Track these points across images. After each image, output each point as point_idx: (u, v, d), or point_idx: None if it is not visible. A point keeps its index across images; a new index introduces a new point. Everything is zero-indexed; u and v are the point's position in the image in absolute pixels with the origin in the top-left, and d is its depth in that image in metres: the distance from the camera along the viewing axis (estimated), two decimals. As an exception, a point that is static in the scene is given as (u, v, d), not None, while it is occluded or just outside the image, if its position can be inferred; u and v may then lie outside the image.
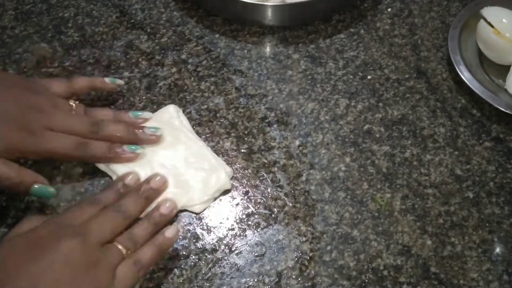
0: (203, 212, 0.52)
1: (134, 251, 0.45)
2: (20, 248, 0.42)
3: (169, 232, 0.47)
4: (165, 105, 0.58)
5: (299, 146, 0.56)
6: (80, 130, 0.50)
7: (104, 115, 0.54)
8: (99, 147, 0.51)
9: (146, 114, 0.55)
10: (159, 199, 0.50)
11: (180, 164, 0.53)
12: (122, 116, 0.55)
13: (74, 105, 0.53)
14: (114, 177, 0.53)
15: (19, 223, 0.45)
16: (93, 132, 0.51)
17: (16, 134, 0.48)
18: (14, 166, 0.47)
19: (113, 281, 0.42)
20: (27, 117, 0.49)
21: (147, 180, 0.50)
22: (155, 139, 0.53)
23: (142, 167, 0.52)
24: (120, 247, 0.44)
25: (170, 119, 0.56)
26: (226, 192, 0.53)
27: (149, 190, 0.50)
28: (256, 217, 0.52)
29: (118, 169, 0.52)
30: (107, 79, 0.56)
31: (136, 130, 0.53)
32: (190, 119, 0.58)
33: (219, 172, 0.53)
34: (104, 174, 0.54)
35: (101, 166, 0.53)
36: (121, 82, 0.58)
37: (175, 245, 0.49)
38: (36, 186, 0.48)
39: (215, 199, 0.53)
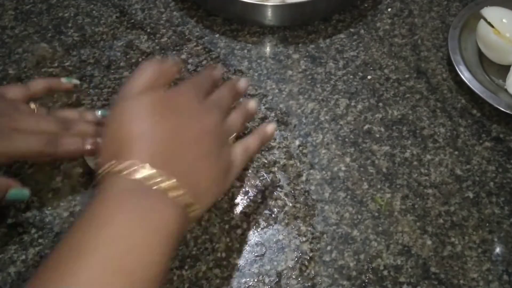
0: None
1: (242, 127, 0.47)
2: (161, 111, 0.40)
3: (269, 127, 0.49)
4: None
5: (299, 146, 0.56)
6: (48, 128, 0.49)
7: (69, 114, 0.53)
8: (72, 141, 0.49)
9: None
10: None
11: None
12: (87, 115, 0.53)
13: (35, 108, 0.52)
14: None
15: (133, 80, 0.42)
16: (65, 129, 0.49)
17: None
18: None
19: (234, 160, 0.44)
20: None
21: (232, 81, 0.50)
22: None
23: None
24: (236, 124, 0.46)
25: None
26: (233, 185, 0.53)
27: (232, 88, 0.49)
28: (256, 217, 0.52)
29: None
30: (63, 79, 0.55)
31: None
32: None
33: None
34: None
35: (89, 161, 0.53)
36: (76, 81, 0.56)
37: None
38: (11, 192, 0.47)
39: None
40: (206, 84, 0.47)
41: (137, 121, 0.40)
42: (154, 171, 0.37)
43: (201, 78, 0.47)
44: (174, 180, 0.38)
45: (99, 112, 0.54)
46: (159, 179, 0.37)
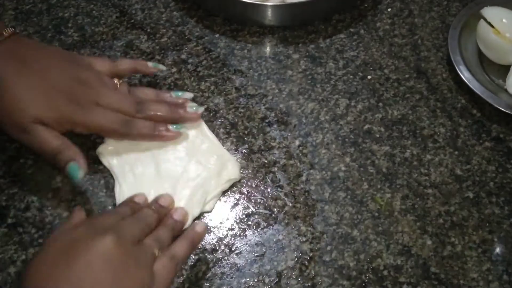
0: (203, 213, 0.52)
1: (164, 249, 0.45)
2: (57, 251, 0.41)
3: (199, 227, 0.48)
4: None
5: (299, 146, 0.56)
6: (126, 109, 0.52)
7: (146, 94, 0.56)
8: (145, 126, 0.52)
9: (187, 94, 0.57)
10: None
11: (186, 162, 0.53)
12: (163, 95, 0.56)
13: (118, 83, 0.54)
14: (115, 180, 0.53)
15: (70, 216, 0.45)
16: (138, 111, 0.52)
17: (67, 106, 0.50)
18: (61, 137, 0.50)
19: (153, 279, 0.42)
20: (77, 91, 0.51)
21: (155, 199, 0.50)
22: (196, 117, 0.55)
23: (147, 163, 0.53)
24: (152, 244, 0.44)
25: None
26: (233, 185, 0.53)
27: (158, 206, 0.49)
28: (256, 217, 0.52)
29: (119, 169, 0.53)
30: (149, 63, 0.57)
31: (178, 109, 0.54)
32: (190, 119, 0.58)
33: (228, 163, 0.53)
34: (104, 174, 0.54)
35: (104, 162, 0.53)
36: (163, 67, 0.59)
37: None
38: (72, 164, 0.49)
39: (223, 193, 0.53)
40: (119, 215, 0.46)
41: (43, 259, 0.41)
42: None
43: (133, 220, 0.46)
44: None
45: (173, 94, 0.56)
46: None
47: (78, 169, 0.49)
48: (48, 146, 0.49)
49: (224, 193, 0.53)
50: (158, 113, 0.53)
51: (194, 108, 0.55)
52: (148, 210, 0.48)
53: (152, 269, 0.42)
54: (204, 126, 0.55)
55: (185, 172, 0.52)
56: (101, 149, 0.54)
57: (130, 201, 0.50)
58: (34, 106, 0.49)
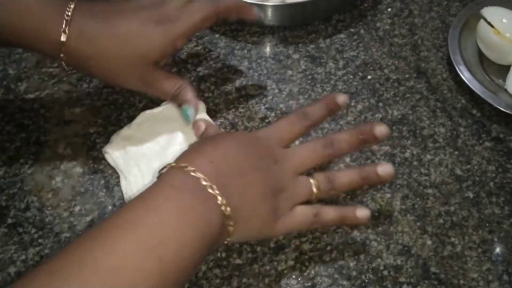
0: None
1: (325, 194, 0.46)
2: (237, 145, 0.44)
3: (361, 212, 0.47)
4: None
5: (299, 146, 0.56)
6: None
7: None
8: None
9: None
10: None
11: None
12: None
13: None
14: (120, 176, 0.53)
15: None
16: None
17: (162, 29, 0.49)
18: (177, 79, 0.51)
19: (291, 214, 0.44)
20: (158, 13, 0.50)
21: (371, 123, 0.48)
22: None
23: (153, 159, 0.53)
24: (313, 182, 0.45)
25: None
26: None
27: (369, 134, 0.46)
28: (256, 217, 0.52)
29: (124, 164, 0.53)
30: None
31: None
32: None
33: None
34: (104, 174, 0.54)
35: (109, 159, 0.53)
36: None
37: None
38: (187, 106, 0.50)
39: None
40: (305, 122, 0.47)
41: (216, 142, 0.44)
42: (209, 178, 0.40)
43: (299, 115, 0.48)
44: (223, 195, 0.40)
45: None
46: (213, 187, 0.40)
47: (191, 111, 0.50)
48: (166, 90, 0.51)
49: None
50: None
51: None
52: (350, 135, 0.47)
53: (295, 206, 0.44)
54: (211, 121, 0.55)
55: None
56: (107, 148, 0.54)
57: (331, 98, 0.48)
58: (142, 45, 0.49)
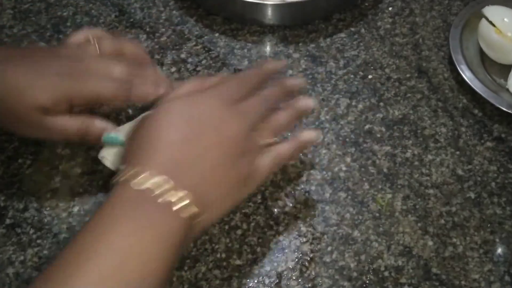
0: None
1: (273, 134, 0.45)
2: (184, 117, 0.41)
3: (308, 134, 0.47)
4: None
5: (299, 146, 0.56)
6: (121, 74, 0.49)
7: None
8: (145, 87, 0.49)
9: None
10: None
11: None
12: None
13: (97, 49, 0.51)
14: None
15: (183, 85, 0.45)
16: (133, 74, 0.49)
17: (59, 84, 0.47)
18: (79, 117, 0.48)
19: (256, 171, 0.43)
20: (65, 66, 0.48)
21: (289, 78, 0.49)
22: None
23: None
24: (266, 134, 0.44)
25: None
26: None
27: (292, 86, 0.48)
28: (256, 217, 0.52)
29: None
30: None
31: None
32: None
33: None
34: (102, 175, 0.53)
35: (108, 164, 0.53)
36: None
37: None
38: (105, 135, 0.48)
39: None
40: (245, 85, 0.46)
41: (155, 128, 0.41)
42: (161, 179, 0.38)
43: (240, 79, 0.47)
44: (182, 191, 0.38)
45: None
46: (166, 187, 0.37)
47: (114, 135, 0.48)
48: (69, 131, 0.48)
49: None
50: (152, 76, 0.50)
51: None
52: (278, 90, 0.47)
53: (256, 160, 0.43)
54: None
55: None
56: (104, 153, 0.53)
57: (261, 65, 0.48)
58: (30, 94, 0.46)
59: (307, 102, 0.48)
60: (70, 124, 0.48)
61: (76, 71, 0.48)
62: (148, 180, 0.38)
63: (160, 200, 0.37)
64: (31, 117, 0.47)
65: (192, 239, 0.42)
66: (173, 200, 0.37)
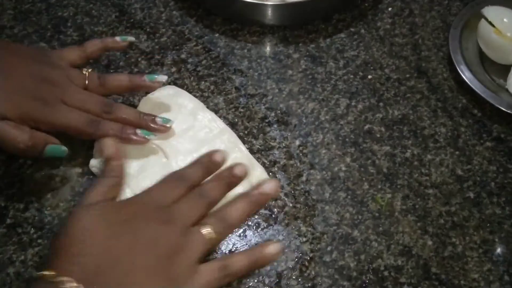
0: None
1: (224, 235, 0.43)
2: (102, 222, 0.41)
3: (270, 249, 0.43)
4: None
5: (299, 146, 0.56)
6: (93, 109, 0.51)
7: (118, 80, 0.54)
8: (111, 127, 0.50)
9: (161, 77, 0.54)
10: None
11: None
12: (137, 80, 0.54)
13: (87, 74, 0.53)
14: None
15: (91, 189, 0.44)
16: (106, 112, 0.51)
17: (30, 103, 0.48)
18: (25, 128, 0.48)
19: (194, 275, 0.40)
20: (42, 89, 0.49)
21: (230, 167, 0.46)
22: (164, 130, 0.52)
23: (156, 160, 0.52)
24: (205, 230, 0.42)
25: (179, 101, 0.55)
26: None
27: (232, 177, 0.45)
28: (256, 217, 0.52)
29: None
30: (117, 38, 0.56)
31: (147, 117, 0.52)
32: (189, 119, 0.57)
33: (255, 168, 0.52)
34: (103, 174, 0.54)
35: (95, 171, 0.53)
36: (132, 39, 0.58)
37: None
38: (49, 147, 0.49)
39: None
40: (182, 185, 0.44)
41: (76, 233, 0.40)
42: (75, 286, 0.37)
43: (179, 176, 0.45)
44: None
45: (147, 78, 0.54)
46: None
47: (58, 147, 0.49)
48: (17, 141, 0.48)
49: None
50: (128, 118, 0.51)
51: (164, 120, 0.52)
52: (217, 182, 0.45)
53: (198, 263, 0.41)
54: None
55: None
56: (93, 162, 0.53)
57: (207, 156, 0.46)
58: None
59: (271, 187, 0.45)
60: (16, 134, 0.48)
61: (52, 97, 0.49)
62: (64, 285, 0.37)
63: None
64: None
65: None
66: None
